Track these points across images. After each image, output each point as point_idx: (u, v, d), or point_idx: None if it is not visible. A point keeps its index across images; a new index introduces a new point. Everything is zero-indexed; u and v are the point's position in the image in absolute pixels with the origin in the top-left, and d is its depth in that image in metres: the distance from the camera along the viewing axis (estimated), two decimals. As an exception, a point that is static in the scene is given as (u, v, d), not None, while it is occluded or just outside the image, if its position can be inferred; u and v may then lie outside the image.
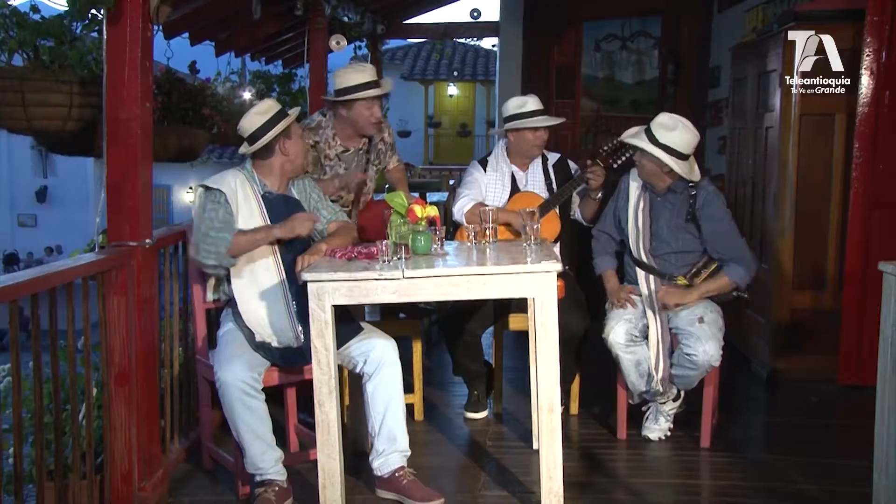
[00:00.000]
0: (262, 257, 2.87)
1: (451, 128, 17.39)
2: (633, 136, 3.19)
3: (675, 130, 3.10)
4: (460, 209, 3.55)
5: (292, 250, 2.90)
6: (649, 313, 3.21)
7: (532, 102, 3.59)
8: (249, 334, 2.81)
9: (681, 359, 3.14)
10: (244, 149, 2.94)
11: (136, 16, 2.61)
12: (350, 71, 3.43)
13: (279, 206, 2.94)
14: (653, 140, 3.11)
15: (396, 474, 2.78)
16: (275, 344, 2.81)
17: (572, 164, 3.71)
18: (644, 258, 3.28)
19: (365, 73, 3.40)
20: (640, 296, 3.30)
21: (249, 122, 2.89)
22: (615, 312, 3.27)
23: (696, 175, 3.16)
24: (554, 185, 3.62)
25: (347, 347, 2.83)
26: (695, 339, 3.08)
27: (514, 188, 3.64)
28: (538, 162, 3.66)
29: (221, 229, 2.81)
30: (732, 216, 3.28)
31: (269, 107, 2.92)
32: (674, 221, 3.23)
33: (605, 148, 3.54)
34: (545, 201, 3.55)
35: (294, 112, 2.99)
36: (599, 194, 3.52)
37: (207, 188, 2.88)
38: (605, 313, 3.32)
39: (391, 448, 2.78)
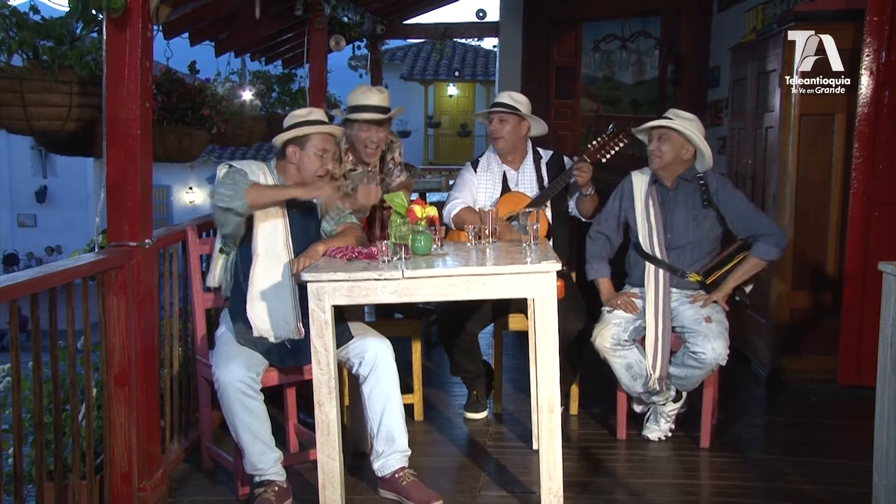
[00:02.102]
0: (280, 252, 2.87)
1: (451, 128, 17.40)
2: (652, 123, 3.24)
3: (692, 120, 3.22)
4: (448, 213, 3.56)
5: (298, 250, 2.91)
6: (650, 313, 3.20)
7: (501, 96, 3.63)
8: (241, 328, 2.81)
9: (686, 358, 3.14)
10: (275, 139, 2.99)
11: (136, 16, 2.61)
12: (359, 91, 3.44)
13: (292, 207, 2.94)
14: (676, 122, 3.19)
15: (397, 475, 2.78)
16: (272, 339, 2.82)
17: (568, 161, 3.67)
18: (658, 254, 3.27)
19: (370, 95, 3.39)
20: (640, 298, 3.30)
21: (287, 119, 2.97)
22: (605, 317, 3.27)
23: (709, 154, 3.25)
24: (546, 184, 3.60)
25: (345, 348, 2.83)
26: (703, 337, 3.08)
27: (505, 188, 3.63)
28: (530, 160, 3.65)
29: (241, 181, 2.80)
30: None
31: (307, 112, 2.96)
32: (690, 213, 3.26)
33: (594, 143, 3.51)
34: (532, 201, 3.53)
35: (324, 128, 2.94)
36: (591, 190, 3.49)
37: (232, 165, 2.91)
38: (601, 315, 3.32)
39: (390, 449, 2.78)
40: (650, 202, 3.30)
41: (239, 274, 2.91)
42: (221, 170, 2.92)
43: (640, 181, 3.35)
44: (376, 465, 2.80)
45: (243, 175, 2.85)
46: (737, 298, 3.32)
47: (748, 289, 3.34)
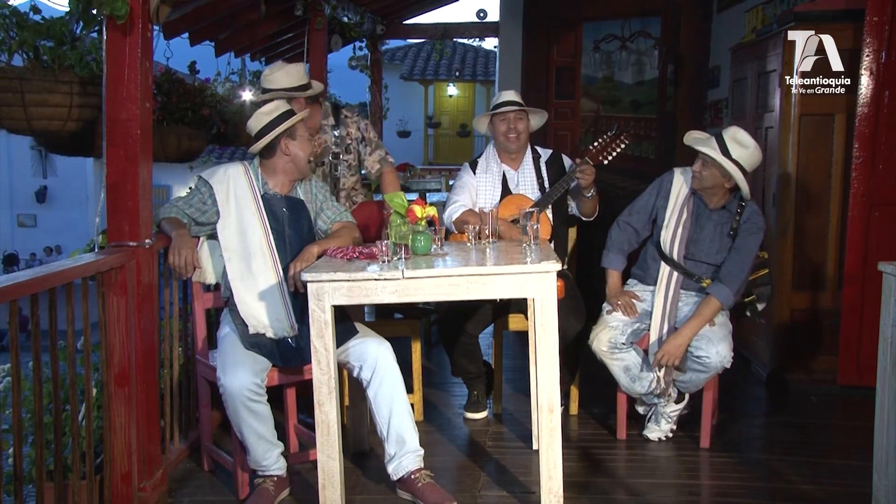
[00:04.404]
0: (259, 253, 2.89)
1: (451, 128, 17.37)
2: (702, 144, 3.09)
3: (748, 149, 3.05)
4: (449, 217, 3.54)
5: (290, 248, 2.92)
6: (657, 314, 3.20)
7: (507, 94, 3.61)
8: (244, 329, 2.82)
9: (690, 362, 3.13)
10: (252, 147, 2.98)
11: (136, 16, 2.61)
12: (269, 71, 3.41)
13: (279, 207, 2.95)
14: (725, 152, 3.04)
15: (412, 476, 2.76)
16: (269, 335, 2.83)
17: (567, 160, 3.67)
18: (675, 258, 3.25)
19: (271, 78, 3.37)
20: (642, 301, 3.29)
21: (255, 122, 2.93)
22: (604, 318, 3.26)
23: (748, 193, 3.12)
24: (546, 184, 3.59)
25: (345, 350, 2.83)
26: (706, 341, 3.07)
27: (506, 189, 3.62)
28: (529, 160, 3.64)
29: (176, 205, 2.96)
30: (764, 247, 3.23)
31: (275, 107, 2.95)
32: (717, 237, 3.20)
33: (595, 144, 3.50)
34: (534, 203, 3.51)
35: (302, 114, 3.00)
36: (592, 191, 3.48)
37: (200, 177, 3.01)
38: (599, 316, 3.31)
39: (402, 450, 2.77)
40: (685, 210, 3.24)
41: (227, 275, 2.93)
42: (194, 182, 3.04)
43: (679, 183, 3.28)
44: (390, 469, 2.78)
45: (200, 193, 2.95)
46: (748, 314, 3.32)
47: (761, 306, 3.33)
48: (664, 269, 3.25)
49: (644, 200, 3.38)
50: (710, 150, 3.06)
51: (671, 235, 3.25)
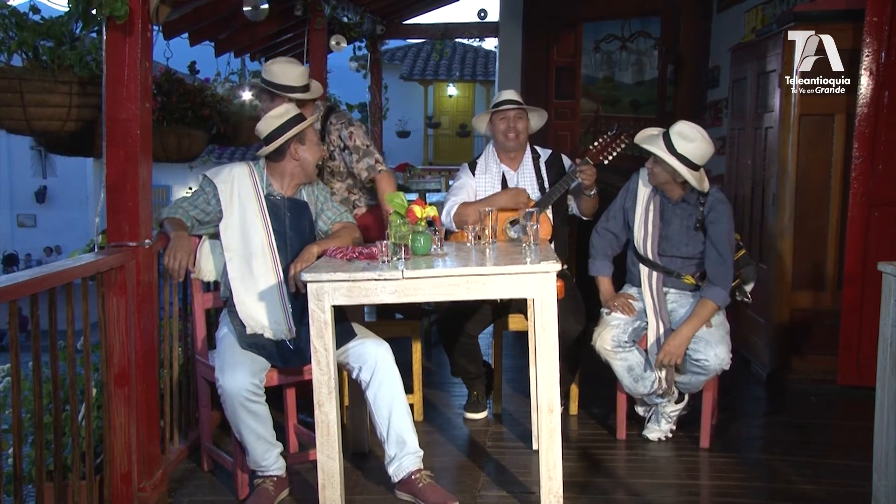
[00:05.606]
0: (260, 253, 2.89)
1: (451, 128, 17.37)
2: (649, 142, 3.11)
3: (693, 142, 3.03)
4: (447, 213, 3.53)
5: (291, 250, 2.92)
6: (651, 316, 3.20)
7: (507, 94, 3.59)
8: (241, 330, 2.82)
9: (689, 365, 3.13)
10: (261, 151, 2.98)
11: (137, 16, 2.61)
12: (279, 66, 3.35)
13: (282, 209, 2.95)
14: (670, 148, 3.04)
15: (413, 477, 2.77)
16: (267, 335, 2.83)
17: (566, 160, 3.67)
18: (650, 257, 3.26)
19: (288, 73, 3.31)
20: (637, 300, 3.29)
21: (265, 125, 2.93)
22: (604, 319, 3.26)
23: (706, 186, 3.11)
24: (546, 184, 3.59)
25: (345, 351, 2.83)
26: (704, 343, 3.07)
27: (505, 189, 3.62)
28: (529, 160, 3.64)
29: (181, 206, 2.95)
30: (734, 229, 3.20)
31: (286, 110, 2.95)
32: (684, 228, 3.21)
33: (596, 144, 3.49)
34: (535, 203, 3.51)
35: (312, 118, 3.01)
36: (594, 191, 3.48)
37: (205, 176, 3.01)
38: (600, 317, 3.31)
39: (402, 451, 2.77)
40: (651, 207, 3.26)
41: (227, 275, 2.93)
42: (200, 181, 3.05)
43: (645, 181, 3.30)
44: (391, 470, 2.79)
45: (205, 193, 2.95)
46: (737, 297, 3.32)
47: (748, 287, 3.33)
48: (643, 269, 3.26)
49: (617, 204, 3.39)
50: (656, 147, 3.07)
51: (642, 234, 3.27)
